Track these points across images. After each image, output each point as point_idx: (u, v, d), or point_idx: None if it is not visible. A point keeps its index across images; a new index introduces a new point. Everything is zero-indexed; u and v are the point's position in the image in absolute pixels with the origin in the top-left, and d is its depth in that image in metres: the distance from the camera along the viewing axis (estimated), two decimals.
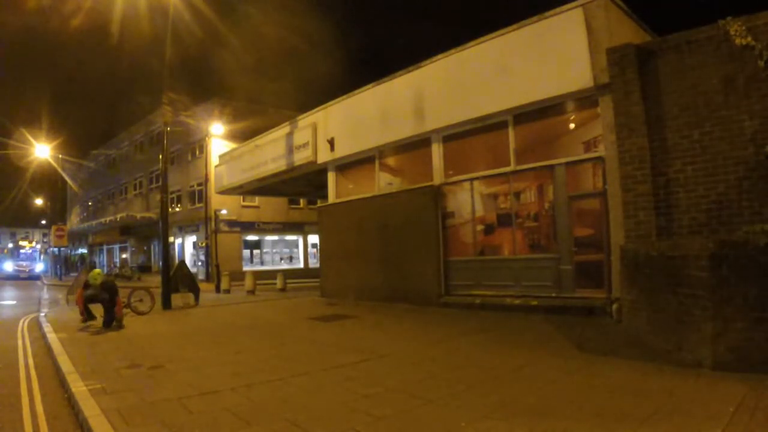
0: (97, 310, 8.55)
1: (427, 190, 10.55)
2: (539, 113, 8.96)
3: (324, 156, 13.19)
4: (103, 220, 36.90)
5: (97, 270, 8.98)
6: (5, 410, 4.11)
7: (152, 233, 31.23)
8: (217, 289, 17.56)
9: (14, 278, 32.26)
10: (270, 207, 28.06)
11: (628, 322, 6.29)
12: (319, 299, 12.87)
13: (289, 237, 30.16)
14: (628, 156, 7.14)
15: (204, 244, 25.63)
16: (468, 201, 10.17)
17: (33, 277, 33.05)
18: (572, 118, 9.38)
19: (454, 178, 10.38)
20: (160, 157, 12.73)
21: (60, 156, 33.26)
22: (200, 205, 25.93)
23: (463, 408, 3.56)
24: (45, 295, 17.36)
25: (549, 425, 3.15)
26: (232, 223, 26.64)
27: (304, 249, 30.45)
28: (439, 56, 10.24)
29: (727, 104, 6.43)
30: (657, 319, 5.19)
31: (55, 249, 33.28)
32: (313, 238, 28.43)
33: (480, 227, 10.09)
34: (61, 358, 5.67)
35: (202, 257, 26.80)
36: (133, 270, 30.90)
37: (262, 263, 28.15)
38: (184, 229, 28.88)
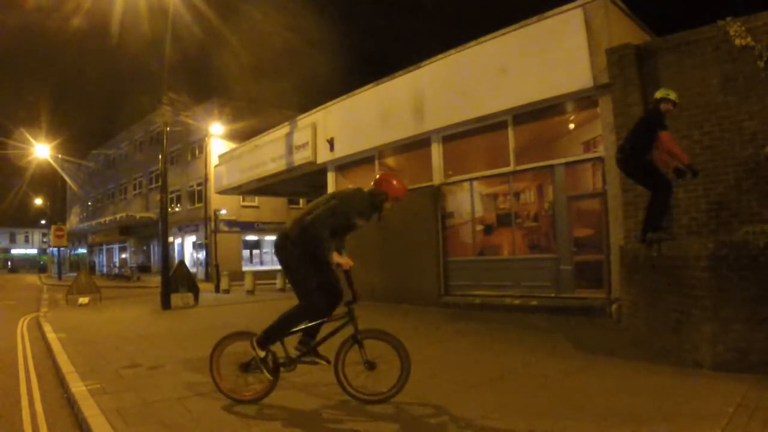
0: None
1: (427, 190, 10.54)
2: (539, 113, 8.96)
3: (323, 156, 13.18)
4: (102, 220, 36.92)
5: None
6: (5, 410, 4.11)
7: (152, 233, 31.24)
8: (217, 289, 17.55)
9: None
10: (270, 207, 28.07)
11: (628, 323, 6.30)
12: None
13: None
14: None
15: (205, 242, 25.60)
16: (468, 201, 10.17)
17: None
18: (572, 118, 9.38)
19: (454, 178, 10.39)
20: (160, 156, 12.72)
21: (59, 156, 33.25)
22: (200, 205, 25.96)
23: (462, 408, 3.56)
24: (44, 295, 17.35)
25: (549, 425, 3.16)
26: (231, 223, 26.66)
27: None
28: (439, 56, 10.24)
29: (727, 104, 6.44)
30: (656, 319, 5.20)
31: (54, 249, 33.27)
32: None
33: (480, 227, 10.09)
34: (61, 358, 5.67)
35: (202, 257, 26.81)
36: (133, 270, 30.89)
37: (261, 263, 28.15)
38: (183, 229, 28.89)
